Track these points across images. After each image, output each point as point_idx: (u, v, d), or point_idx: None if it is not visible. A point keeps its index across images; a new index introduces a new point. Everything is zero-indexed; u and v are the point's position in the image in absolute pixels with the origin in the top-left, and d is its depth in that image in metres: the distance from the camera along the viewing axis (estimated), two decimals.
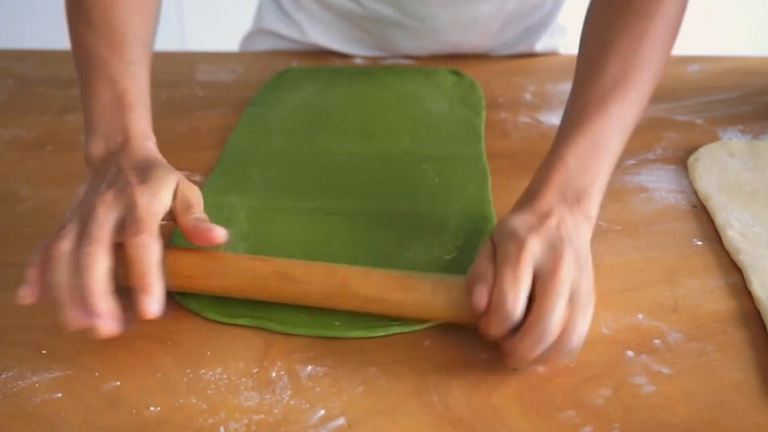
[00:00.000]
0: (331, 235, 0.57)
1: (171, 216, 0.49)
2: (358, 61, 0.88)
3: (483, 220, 0.59)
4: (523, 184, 0.65)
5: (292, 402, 0.44)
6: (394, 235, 0.57)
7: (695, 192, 0.64)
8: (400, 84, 0.80)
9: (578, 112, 0.54)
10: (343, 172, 0.65)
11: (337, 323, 0.49)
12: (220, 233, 0.48)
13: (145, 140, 0.54)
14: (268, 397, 0.44)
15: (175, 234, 0.55)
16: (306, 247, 0.56)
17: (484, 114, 0.75)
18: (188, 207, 0.49)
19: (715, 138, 0.72)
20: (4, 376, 0.46)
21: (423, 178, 0.64)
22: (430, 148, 0.68)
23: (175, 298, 0.51)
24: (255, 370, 0.46)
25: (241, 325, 0.49)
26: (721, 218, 0.59)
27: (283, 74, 0.83)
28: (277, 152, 0.68)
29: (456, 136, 0.70)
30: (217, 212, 0.59)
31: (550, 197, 0.50)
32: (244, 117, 0.74)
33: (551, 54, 0.93)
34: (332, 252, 0.55)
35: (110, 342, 0.48)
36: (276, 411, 0.44)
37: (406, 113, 0.75)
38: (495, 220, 0.59)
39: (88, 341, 0.48)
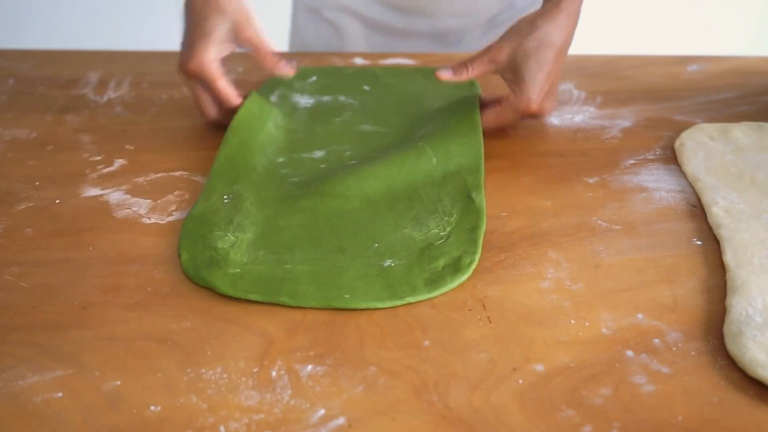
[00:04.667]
0: (334, 217, 0.59)
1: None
2: (358, 60, 0.88)
3: (472, 202, 0.60)
4: (523, 183, 0.65)
5: (293, 401, 0.44)
6: (392, 216, 0.59)
7: (684, 174, 0.66)
8: (401, 84, 0.81)
9: None
10: (344, 162, 0.67)
11: (347, 296, 0.51)
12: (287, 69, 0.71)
13: None
14: (268, 396, 0.44)
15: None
16: (310, 230, 0.58)
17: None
18: (256, 48, 0.70)
19: None
20: (4, 375, 0.46)
21: (421, 156, 0.65)
22: (429, 135, 0.69)
23: (188, 275, 0.53)
24: (255, 370, 0.46)
25: (242, 325, 0.50)
26: (707, 197, 0.62)
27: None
28: (278, 146, 0.69)
29: (455, 131, 0.70)
30: (225, 200, 0.60)
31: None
32: (245, 104, 0.73)
33: None
34: (335, 234, 0.57)
35: (110, 342, 0.49)
36: (276, 410, 0.44)
37: (406, 111, 0.76)
38: (484, 202, 0.60)
39: (88, 341, 0.49)
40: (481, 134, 0.68)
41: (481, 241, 0.56)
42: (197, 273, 0.53)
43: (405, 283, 0.52)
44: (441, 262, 0.54)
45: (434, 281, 0.52)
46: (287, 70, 0.71)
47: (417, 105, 0.77)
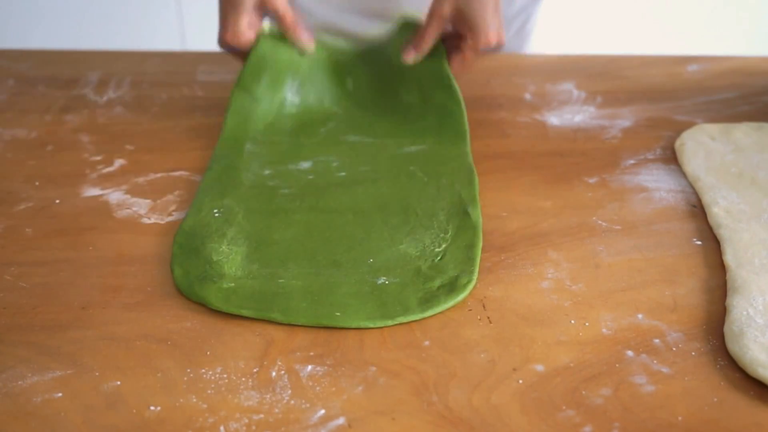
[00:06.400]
0: (328, 230, 0.58)
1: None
2: None
3: (468, 217, 0.59)
4: (523, 183, 0.65)
5: (292, 401, 0.44)
6: (387, 231, 0.58)
7: (685, 174, 0.66)
8: (379, 72, 0.78)
9: None
10: (332, 173, 0.66)
11: (338, 314, 0.50)
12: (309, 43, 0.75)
13: None
14: (268, 396, 0.44)
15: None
16: (305, 244, 0.57)
17: (461, 99, 0.72)
18: (281, 17, 0.74)
19: None
20: (4, 375, 0.46)
21: (412, 179, 0.65)
22: (419, 160, 0.68)
23: (181, 290, 0.52)
24: (255, 370, 0.46)
25: (242, 325, 0.50)
26: (708, 197, 0.62)
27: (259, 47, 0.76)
28: (262, 159, 0.68)
29: (445, 154, 0.68)
30: (215, 214, 0.59)
31: None
32: (229, 115, 0.72)
33: (551, 54, 0.93)
34: (330, 248, 0.56)
35: (110, 342, 0.49)
36: (276, 410, 0.44)
37: (389, 118, 0.74)
38: (480, 217, 0.59)
39: (88, 341, 0.49)
40: (469, 149, 0.68)
41: (478, 260, 0.55)
42: (190, 288, 0.52)
43: (398, 302, 0.51)
44: (436, 282, 0.52)
45: (428, 300, 0.51)
46: (308, 44, 0.75)
47: (399, 112, 0.75)
